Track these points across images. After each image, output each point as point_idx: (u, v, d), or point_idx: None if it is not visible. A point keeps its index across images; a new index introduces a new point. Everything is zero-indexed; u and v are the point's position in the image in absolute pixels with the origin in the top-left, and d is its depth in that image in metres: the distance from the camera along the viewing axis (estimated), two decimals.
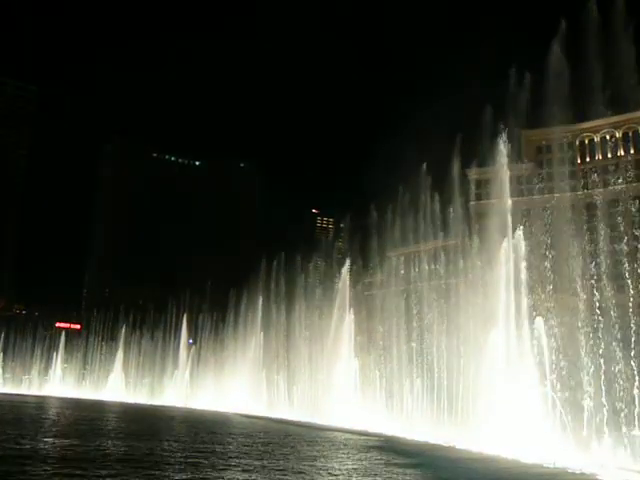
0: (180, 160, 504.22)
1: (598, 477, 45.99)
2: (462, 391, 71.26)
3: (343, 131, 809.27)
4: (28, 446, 53.31)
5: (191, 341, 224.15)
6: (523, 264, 66.77)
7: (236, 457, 50.21)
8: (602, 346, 64.22)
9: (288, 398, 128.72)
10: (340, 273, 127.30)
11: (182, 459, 49.12)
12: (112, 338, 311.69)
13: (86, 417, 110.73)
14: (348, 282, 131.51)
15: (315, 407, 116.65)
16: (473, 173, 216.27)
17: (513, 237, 67.83)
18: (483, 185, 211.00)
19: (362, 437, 78.40)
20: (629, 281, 71.46)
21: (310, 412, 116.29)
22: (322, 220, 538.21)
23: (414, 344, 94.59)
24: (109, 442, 61.32)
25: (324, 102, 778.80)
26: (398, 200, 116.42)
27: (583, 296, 65.69)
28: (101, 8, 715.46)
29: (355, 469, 46.41)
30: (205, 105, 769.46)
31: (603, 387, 60.01)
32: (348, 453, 59.70)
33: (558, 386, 63.57)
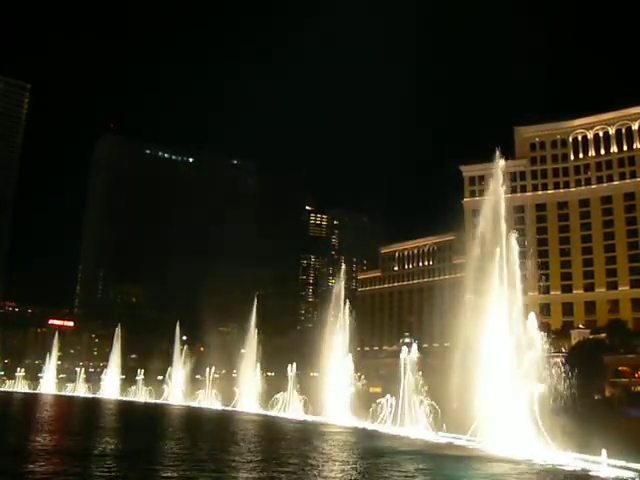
0: (174, 157, 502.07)
1: (592, 473, 46.23)
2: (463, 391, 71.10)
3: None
4: (18, 443, 53.12)
5: (185, 338, 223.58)
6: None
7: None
8: None
9: (287, 396, 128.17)
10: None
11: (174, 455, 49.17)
12: (106, 336, 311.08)
13: (78, 415, 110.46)
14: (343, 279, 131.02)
15: (311, 405, 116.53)
16: (467, 170, 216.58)
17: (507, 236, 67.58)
18: (477, 182, 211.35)
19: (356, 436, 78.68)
20: None
21: (306, 409, 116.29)
22: (316, 217, 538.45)
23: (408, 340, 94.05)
24: (107, 439, 61.17)
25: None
26: None
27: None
28: (97, 5, 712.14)
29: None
30: (201, 102, 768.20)
31: None
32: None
33: None
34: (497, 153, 73.79)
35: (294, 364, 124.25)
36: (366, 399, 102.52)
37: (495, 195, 72.44)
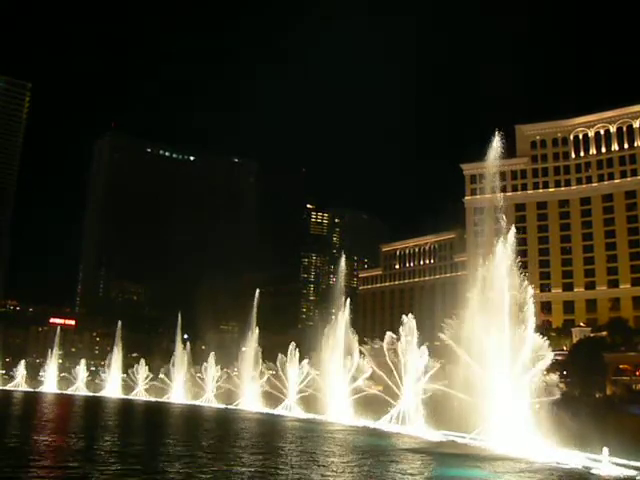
0: (175, 155, 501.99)
1: (593, 471, 46.27)
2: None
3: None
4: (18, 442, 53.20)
5: (187, 336, 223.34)
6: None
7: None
8: None
9: (285, 395, 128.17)
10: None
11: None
12: (107, 334, 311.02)
13: (79, 414, 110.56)
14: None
15: (309, 403, 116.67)
16: (468, 168, 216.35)
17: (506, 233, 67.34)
18: (478, 180, 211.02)
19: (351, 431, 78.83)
20: None
21: (305, 408, 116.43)
22: (317, 215, 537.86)
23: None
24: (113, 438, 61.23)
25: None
26: None
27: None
28: (97, 5, 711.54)
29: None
30: (202, 101, 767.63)
31: None
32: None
33: None
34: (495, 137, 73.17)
35: (293, 353, 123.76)
36: (368, 398, 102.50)
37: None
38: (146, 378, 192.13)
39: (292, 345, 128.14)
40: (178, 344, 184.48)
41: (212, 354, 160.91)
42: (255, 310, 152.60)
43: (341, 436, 73.09)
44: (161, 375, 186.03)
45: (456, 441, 64.41)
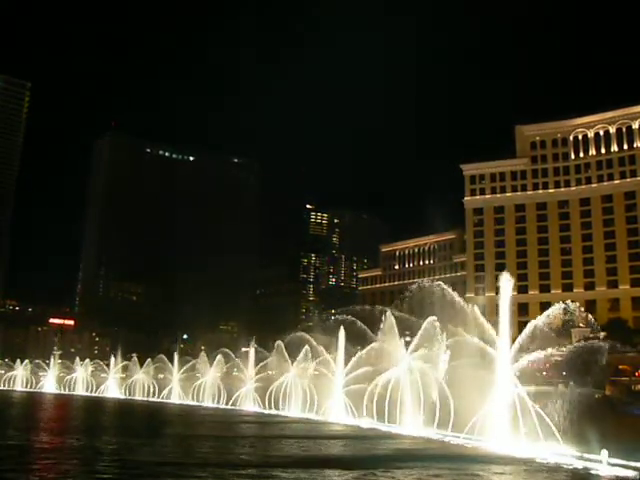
0: (175, 155, 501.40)
1: (592, 472, 46.17)
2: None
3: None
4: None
5: (186, 336, 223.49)
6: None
7: None
8: None
9: (284, 394, 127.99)
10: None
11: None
12: (107, 334, 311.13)
13: (78, 414, 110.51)
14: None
15: (308, 403, 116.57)
16: (468, 169, 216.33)
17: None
18: (477, 181, 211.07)
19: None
20: None
21: (303, 407, 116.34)
22: (317, 215, 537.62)
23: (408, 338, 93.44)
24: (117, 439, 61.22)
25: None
26: None
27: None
28: (97, 4, 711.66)
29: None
30: (202, 101, 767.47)
31: None
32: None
33: None
34: None
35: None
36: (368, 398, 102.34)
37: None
38: (145, 379, 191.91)
39: (279, 344, 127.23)
40: (177, 344, 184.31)
41: (212, 356, 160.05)
42: (255, 310, 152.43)
43: (339, 436, 73.02)
44: (160, 375, 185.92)
45: (454, 441, 64.30)
